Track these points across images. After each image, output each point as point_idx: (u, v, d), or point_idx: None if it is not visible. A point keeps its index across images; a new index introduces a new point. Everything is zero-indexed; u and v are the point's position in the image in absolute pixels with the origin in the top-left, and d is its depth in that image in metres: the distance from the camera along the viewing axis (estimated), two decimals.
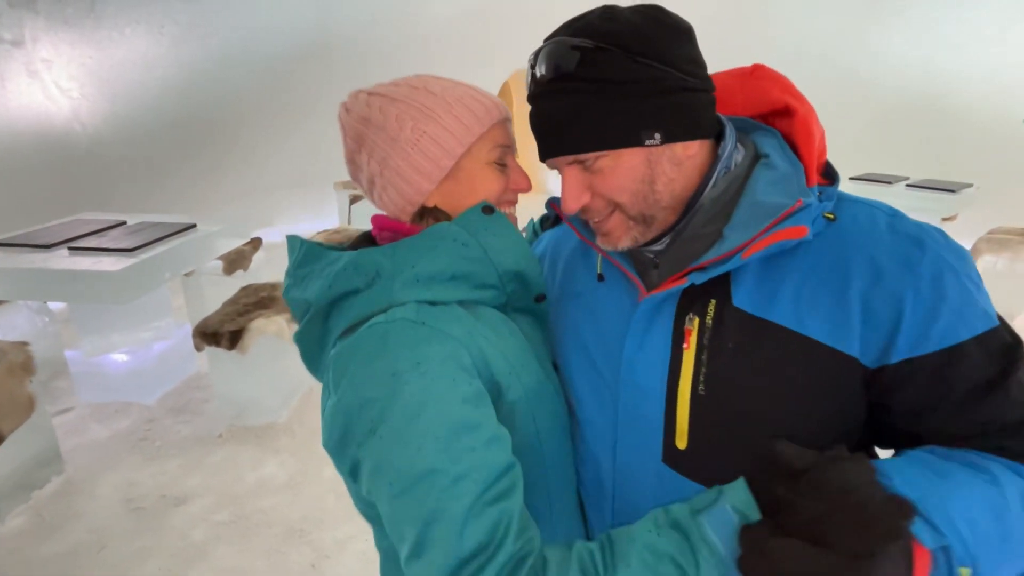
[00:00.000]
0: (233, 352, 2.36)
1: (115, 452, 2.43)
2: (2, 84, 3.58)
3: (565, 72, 0.55)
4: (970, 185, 4.13)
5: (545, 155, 0.60)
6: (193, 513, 2.10)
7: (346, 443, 0.56)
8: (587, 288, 0.71)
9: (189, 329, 3.00)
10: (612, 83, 0.55)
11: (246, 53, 4.87)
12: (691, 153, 0.59)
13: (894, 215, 0.58)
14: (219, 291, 3.11)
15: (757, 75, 0.66)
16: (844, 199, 0.60)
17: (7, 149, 3.67)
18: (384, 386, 0.53)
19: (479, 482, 0.51)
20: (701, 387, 0.57)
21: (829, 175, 0.61)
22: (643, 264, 0.65)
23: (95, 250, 2.35)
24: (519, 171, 0.70)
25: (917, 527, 0.46)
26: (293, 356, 2.34)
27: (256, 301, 2.56)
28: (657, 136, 0.56)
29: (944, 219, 4.53)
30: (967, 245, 4.48)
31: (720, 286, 0.57)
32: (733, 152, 0.61)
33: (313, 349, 0.66)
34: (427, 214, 0.65)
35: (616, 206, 0.60)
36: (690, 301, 0.59)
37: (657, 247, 0.63)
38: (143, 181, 4.38)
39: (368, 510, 0.62)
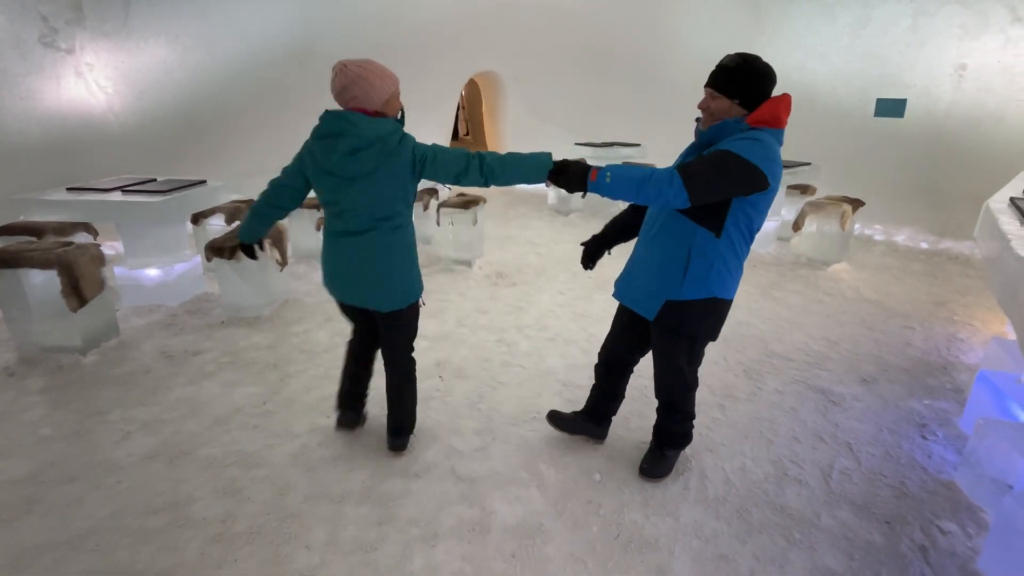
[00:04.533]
0: (232, 261, 3.49)
1: (151, 331, 3.55)
2: (57, 83, 4.71)
3: (727, 67, 1.77)
4: (807, 164, 5.27)
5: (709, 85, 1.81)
6: (206, 358, 3.22)
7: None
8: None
9: (199, 259, 4.13)
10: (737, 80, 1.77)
11: (244, 58, 6.02)
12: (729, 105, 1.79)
13: (753, 138, 1.73)
14: None
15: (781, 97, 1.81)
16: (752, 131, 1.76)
17: (59, 132, 4.80)
18: None
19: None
20: None
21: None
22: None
23: (141, 192, 3.48)
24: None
25: (597, 169, 1.73)
26: (274, 270, 3.77)
27: None
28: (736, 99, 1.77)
29: (797, 189, 5.66)
30: None
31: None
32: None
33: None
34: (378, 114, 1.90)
35: (712, 112, 1.81)
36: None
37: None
38: (160, 160, 5.50)
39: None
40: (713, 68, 1.81)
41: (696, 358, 2.13)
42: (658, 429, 2.32)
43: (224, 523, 2.00)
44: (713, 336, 2.04)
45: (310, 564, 1.83)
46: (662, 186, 1.66)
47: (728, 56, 1.78)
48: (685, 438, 2.30)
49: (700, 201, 1.70)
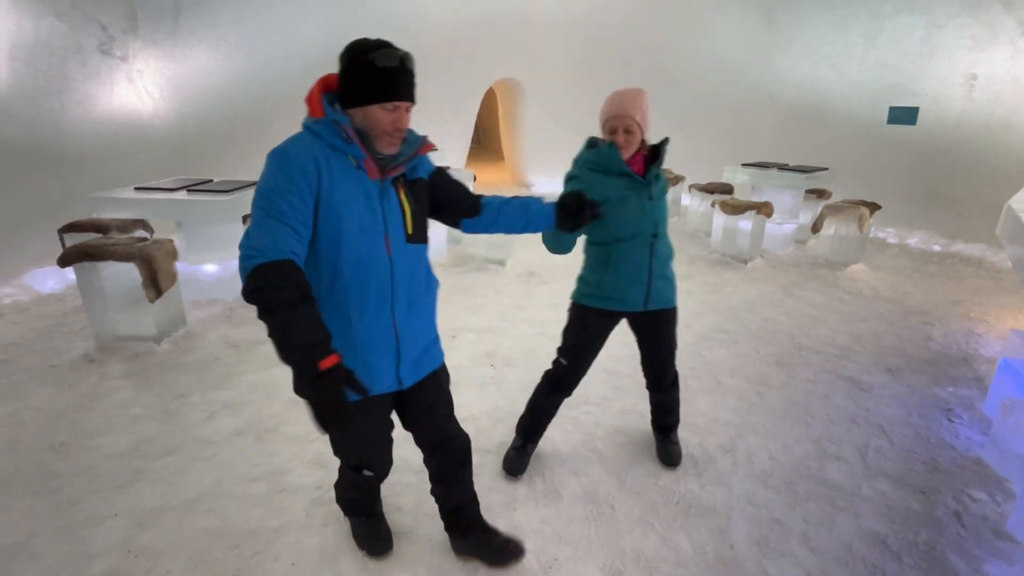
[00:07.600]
0: None
1: (212, 323, 3.75)
2: (111, 88, 4.94)
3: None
4: (825, 169, 5.49)
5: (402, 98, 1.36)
6: (270, 348, 3.40)
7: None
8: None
9: None
10: None
11: (280, 64, 6.25)
12: None
13: None
14: None
15: None
16: None
17: (112, 135, 5.02)
18: None
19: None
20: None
21: None
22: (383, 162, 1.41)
23: (204, 191, 3.69)
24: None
25: None
26: None
27: None
28: None
29: (813, 193, 5.88)
30: None
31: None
32: None
33: None
34: None
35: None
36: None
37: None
38: (202, 161, 5.72)
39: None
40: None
41: None
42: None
43: (320, 489, 2.19)
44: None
45: (405, 524, 2.03)
46: None
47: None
48: None
49: None
